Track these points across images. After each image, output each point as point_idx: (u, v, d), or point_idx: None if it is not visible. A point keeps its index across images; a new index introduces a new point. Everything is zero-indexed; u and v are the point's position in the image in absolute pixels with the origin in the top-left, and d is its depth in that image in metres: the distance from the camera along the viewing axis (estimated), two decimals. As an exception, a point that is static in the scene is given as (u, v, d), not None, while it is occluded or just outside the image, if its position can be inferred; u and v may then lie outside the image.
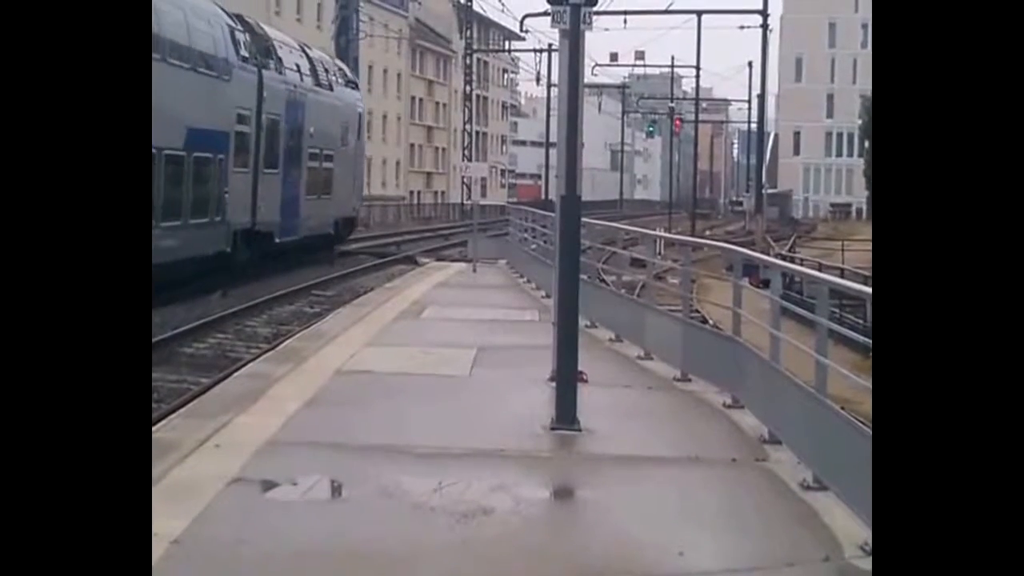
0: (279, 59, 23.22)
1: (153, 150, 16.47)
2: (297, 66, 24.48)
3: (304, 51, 25.91)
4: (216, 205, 19.76)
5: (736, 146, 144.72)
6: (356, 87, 31.18)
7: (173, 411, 8.78)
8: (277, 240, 23.20)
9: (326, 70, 26.94)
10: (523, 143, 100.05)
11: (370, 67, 51.50)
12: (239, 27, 21.36)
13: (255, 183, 21.75)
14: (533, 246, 19.99)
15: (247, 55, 21.25)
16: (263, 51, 22.38)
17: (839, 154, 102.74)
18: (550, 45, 55.06)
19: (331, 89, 26.92)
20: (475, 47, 72.10)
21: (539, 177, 75.60)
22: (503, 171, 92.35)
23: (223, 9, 21.28)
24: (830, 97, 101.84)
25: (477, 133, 72.79)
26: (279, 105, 22.79)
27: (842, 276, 20.84)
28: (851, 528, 5.50)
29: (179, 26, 18.05)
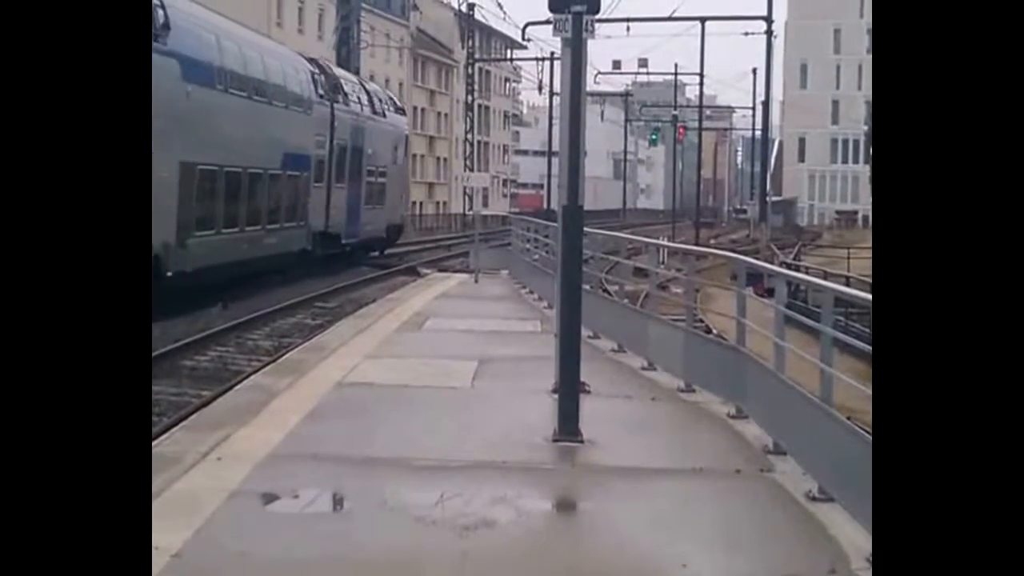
0: (345, 94, 28.24)
1: (260, 170, 21.83)
2: (359, 99, 29.57)
3: (363, 85, 31.58)
4: (301, 212, 24.78)
5: (740, 153, 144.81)
6: (403, 113, 36.79)
7: (174, 424, 8.75)
8: (343, 241, 28.12)
9: (380, 100, 32.30)
10: (525, 152, 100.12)
11: (371, 77, 51.55)
12: (316, 70, 26.63)
13: (328, 195, 26.68)
14: (535, 256, 19.96)
15: (322, 93, 26.26)
16: (333, 88, 27.36)
17: (844, 161, 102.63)
18: (552, 53, 55.16)
19: (384, 116, 31.96)
20: (477, 56, 72.22)
21: (541, 187, 75.59)
22: (505, 181, 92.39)
23: (303, 56, 27.23)
24: (835, 103, 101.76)
25: (479, 143, 72.85)
26: (346, 132, 27.72)
27: (848, 284, 20.80)
28: (857, 540, 5.45)
29: (279, 75, 23.28)
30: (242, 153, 20.71)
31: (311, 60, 27.41)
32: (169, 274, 17.22)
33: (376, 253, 31.95)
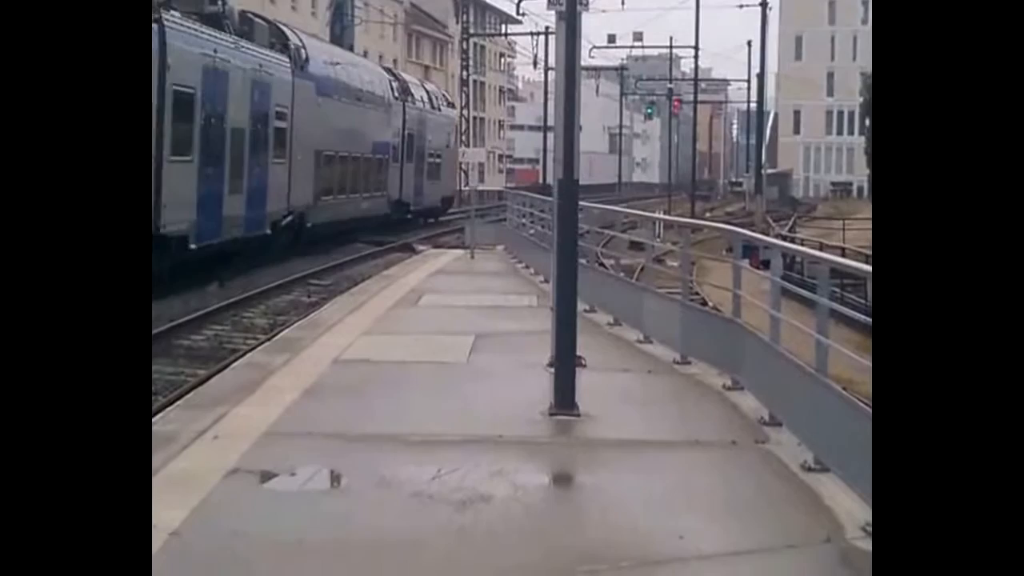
0: (412, 95, 37.14)
1: (359, 154, 30.76)
2: (421, 97, 38.63)
3: (423, 86, 41.35)
4: (383, 185, 33.40)
5: (735, 126, 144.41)
6: (453, 107, 47.48)
7: (171, 403, 8.75)
8: (411, 208, 36.82)
9: (436, 97, 41.72)
10: (521, 128, 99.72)
11: (365, 53, 51.22)
12: (392, 78, 35.92)
13: (401, 173, 35.24)
14: (531, 231, 19.94)
15: (397, 95, 34.97)
16: (404, 91, 36.07)
17: (839, 132, 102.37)
18: (547, 28, 54.87)
19: (440, 110, 41.45)
20: (471, 31, 71.88)
21: (537, 162, 75.44)
22: (501, 156, 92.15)
23: (383, 67, 38.93)
24: (830, 75, 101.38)
25: (474, 118, 72.55)
26: (413, 124, 36.40)
27: (843, 255, 20.79)
28: (853, 509, 5.47)
29: (369, 84, 32.16)
30: (348, 142, 29.32)
31: (387, 70, 38.22)
32: (309, 225, 25.67)
33: (433, 220, 39.66)
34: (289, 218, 24.11)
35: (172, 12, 17.63)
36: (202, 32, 18.83)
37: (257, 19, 23.89)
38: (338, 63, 29.66)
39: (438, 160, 40.15)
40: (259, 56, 22.10)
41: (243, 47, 20.97)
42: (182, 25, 17.93)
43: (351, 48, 40.94)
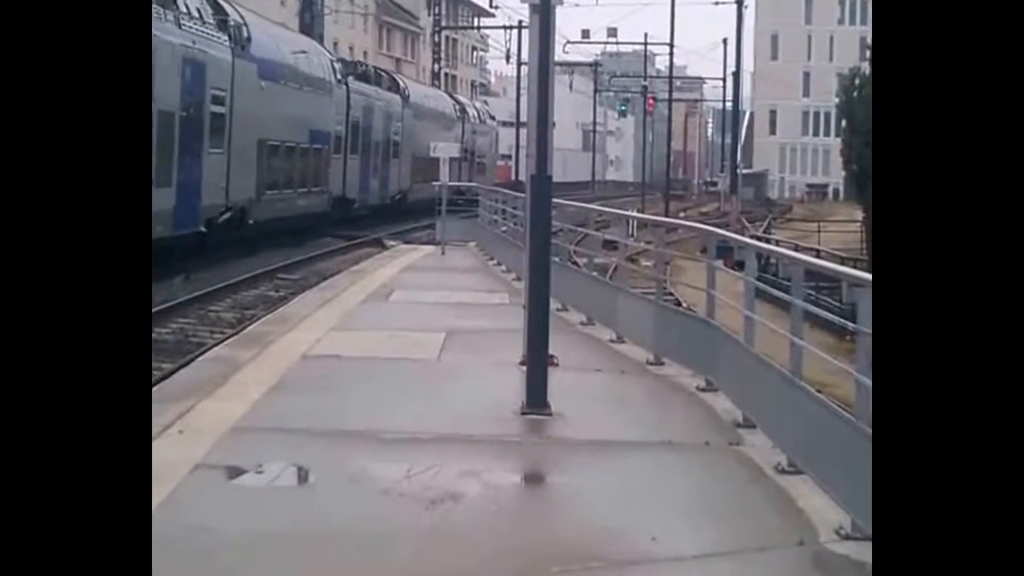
0: (467, 112, 51.24)
1: (431, 156, 40.86)
2: (473, 115, 52.50)
3: (473, 105, 56.43)
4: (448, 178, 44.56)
5: (711, 125, 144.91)
6: (494, 119, 61.88)
7: (136, 396, 8.63)
8: (465, 196, 47.79)
9: (482, 113, 56.97)
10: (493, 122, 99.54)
11: (335, 44, 51.21)
12: (455, 101, 50.65)
13: (460, 169, 45.44)
14: (503, 228, 19.88)
15: (459, 115, 49.34)
16: (462, 110, 50.33)
17: (815, 133, 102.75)
18: (520, 22, 54.90)
19: (485, 123, 55.94)
20: (443, 24, 71.75)
21: (509, 157, 75.36)
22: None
23: (447, 92, 55.54)
24: (806, 75, 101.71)
25: (448, 113, 72.43)
26: (468, 135, 49.66)
27: (818, 257, 20.85)
28: (826, 512, 5.45)
29: (442, 107, 47.39)
30: (429, 147, 42.39)
31: (450, 94, 53.18)
32: (409, 200, 39.64)
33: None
34: (399, 196, 39.42)
35: (349, 76, 33.65)
36: (362, 86, 35.10)
37: (383, 72, 41.55)
38: (426, 95, 46.65)
39: (483, 160, 55.31)
40: (386, 95, 38.21)
41: (379, 91, 37.36)
42: (355, 84, 34.06)
43: (320, 38, 41.56)
